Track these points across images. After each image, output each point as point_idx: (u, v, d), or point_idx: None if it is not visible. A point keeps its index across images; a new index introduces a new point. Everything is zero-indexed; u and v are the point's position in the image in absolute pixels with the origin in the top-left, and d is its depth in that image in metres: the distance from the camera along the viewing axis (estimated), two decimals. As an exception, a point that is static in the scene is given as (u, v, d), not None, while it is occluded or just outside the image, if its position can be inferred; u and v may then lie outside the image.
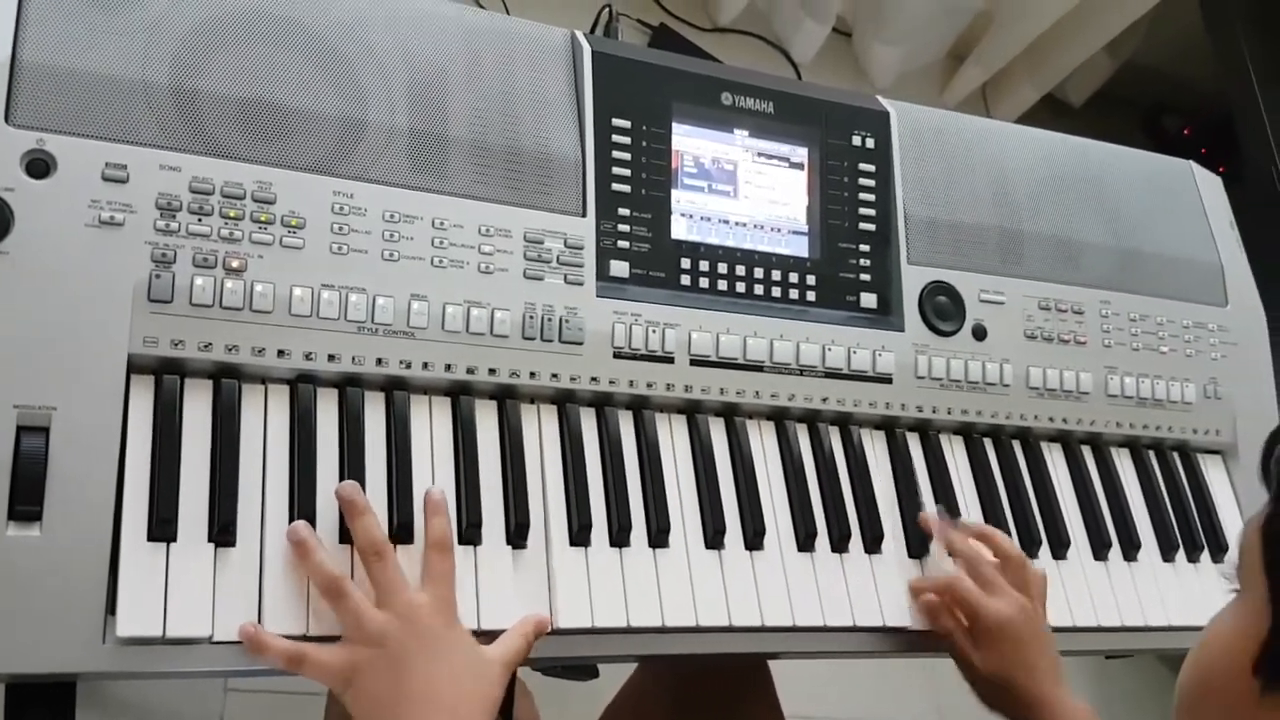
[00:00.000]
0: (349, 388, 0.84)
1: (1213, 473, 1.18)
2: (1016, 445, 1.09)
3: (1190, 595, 1.09)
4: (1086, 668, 1.92)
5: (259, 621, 0.74)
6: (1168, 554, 1.10)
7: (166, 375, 0.78)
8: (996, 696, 0.92)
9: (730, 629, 0.89)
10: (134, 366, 0.77)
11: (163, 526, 0.74)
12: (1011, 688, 0.90)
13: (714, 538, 0.91)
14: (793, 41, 2.40)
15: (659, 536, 0.89)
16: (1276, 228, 1.88)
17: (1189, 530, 1.12)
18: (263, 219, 0.82)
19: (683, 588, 0.89)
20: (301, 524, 0.77)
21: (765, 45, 2.43)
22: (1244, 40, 2.07)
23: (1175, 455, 1.17)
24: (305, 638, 0.75)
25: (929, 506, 1.00)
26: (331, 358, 0.82)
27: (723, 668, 1.13)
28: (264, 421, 0.80)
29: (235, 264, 0.80)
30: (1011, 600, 0.91)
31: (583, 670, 1.43)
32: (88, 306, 0.76)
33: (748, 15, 2.39)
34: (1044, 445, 1.10)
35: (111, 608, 0.72)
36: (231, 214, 0.81)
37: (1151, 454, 1.16)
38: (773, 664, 1.16)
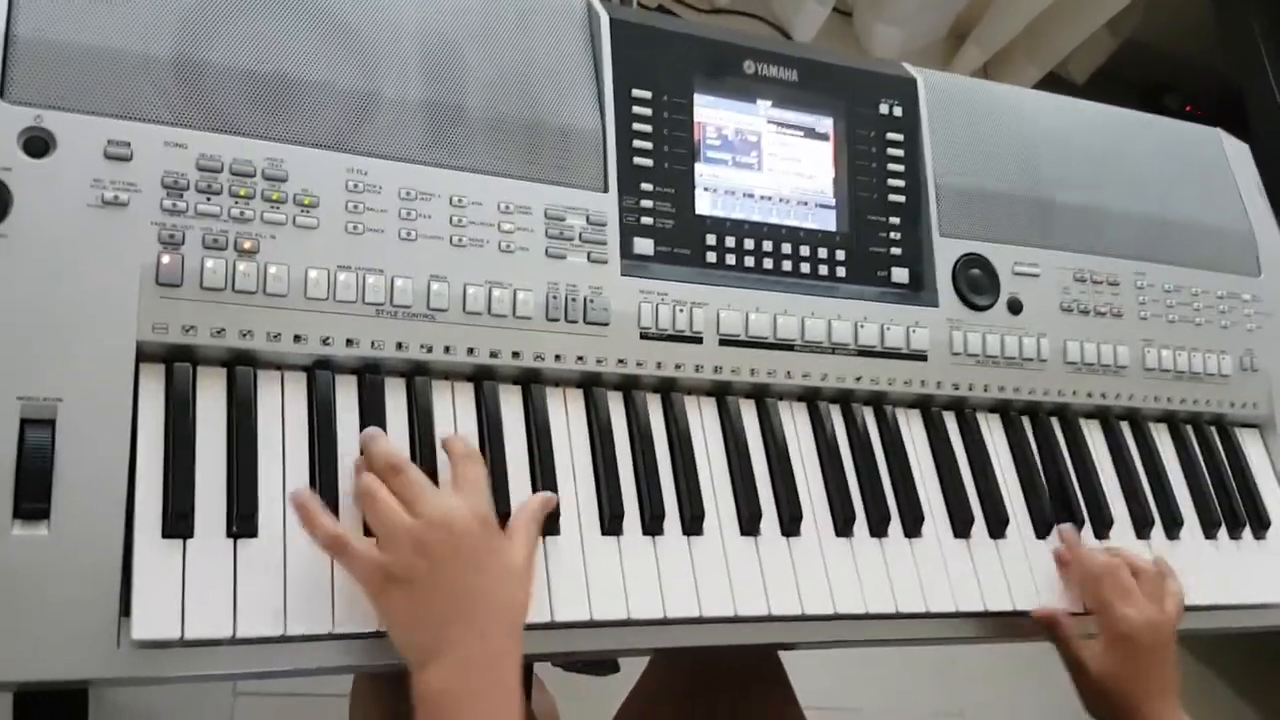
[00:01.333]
0: (368, 374, 0.80)
1: (1250, 446, 1.15)
2: (1055, 422, 1.05)
3: (1233, 573, 1.06)
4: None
5: (284, 616, 0.70)
6: (1210, 531, 1.07)
7: (178, 363, 0.74)
8: (1099, 701, 0.91)
9: (770, 618, 0.85)
10: (143, 354, 0.73)
11: (178, 522, 0.70)
12: (1124, 696, 0.89)
13: (749, 524, 0.88)
14: (793, 22, 2.37)
15: (693, 524, 0.86)
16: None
17: (1230, 506, 1.09)
18: (274, 198, 0.78)
19: (719, 577, 0.85)
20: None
21: (765, 26, 2.40)
22: (1251, 11, 2.04)
23: (1213, 429, 1.14)
24: (330, 637, 0.72)
25: (969, 488, 0.97)
26: (350, 342, 0.78)
27: (736, 658, 1.09)
28: (281, 410, 0.76)
29: (247, 245, 0.76)
30: (1144, 610, 0.90)
31: (604, 665, 1.39)
32: (93, 291, 0.71)
33: (746, -4, 2.36)
34: (1082, 422, 1.06)
35: (126, 609, 0.68)
36: (242, 193, 0.77)
37: (1189, 428, 1.12)
38: (790, 654, 1.13)
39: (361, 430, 0.77)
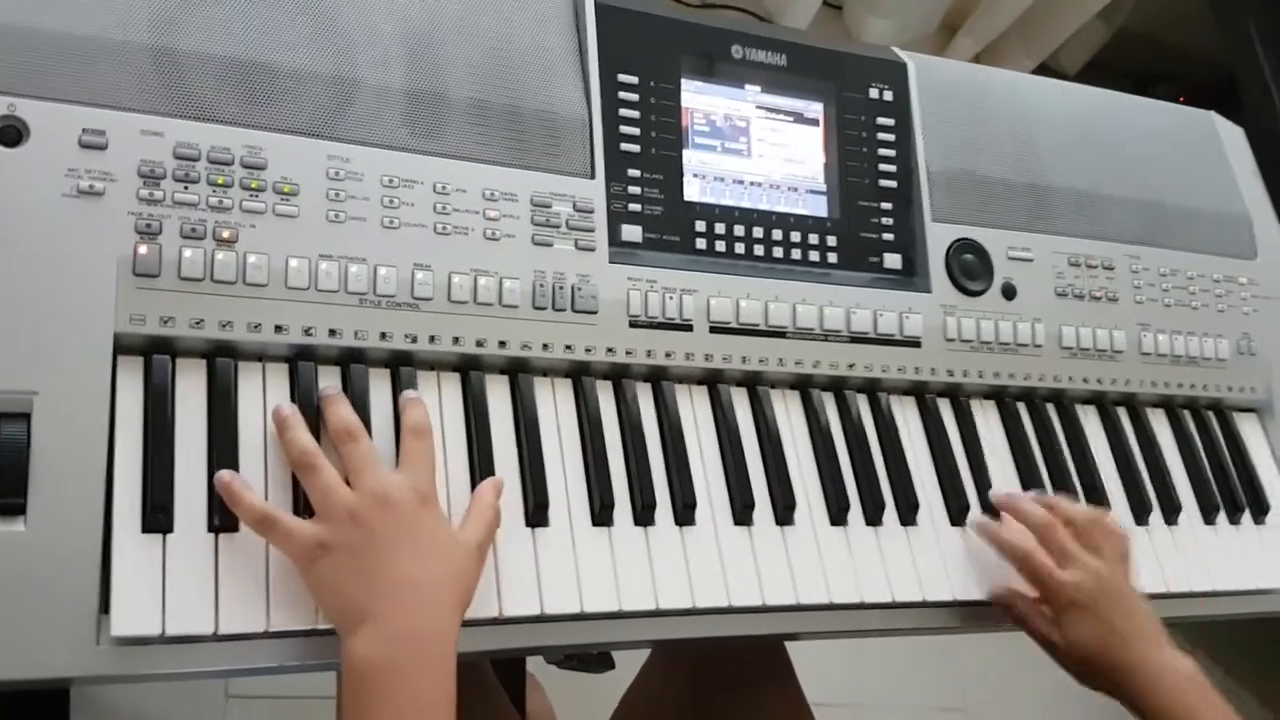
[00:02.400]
0: (352, 365, 0.78)
1: (1248, 431, 1.14)
2: (1051, 408, 1.04)
3: (1233, 558, 1.05)
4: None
5: (267, 612, 0.69)
6: (1209, 516, 1.06)
7: (156, 355, 0.73)
8: (1087, 670, 0.87)
9: (764, 608, 0.84)
10: (121, 346, 0.71)
11: (158, 516, 0.69)
12: (1101, 657, 0.85)
13: (742, 513, 0.86)
14: (783, 15, 2.35)
15: (685, 514, 0.84)
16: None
17: (1229, 491, 1.08)
18: (253, 186, 0.76)
19: (712, 567, 0.84)
20: (287, 404, 0.74)
21: (755, 20, 2.38)
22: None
23: (1211, 414, 1.12)
24: (314, 632, 0.70)
25: (965, 475, 0.96)
26: (333, 332, 0.77)
27: (740, 651, 1.08)
28: (263, 402, 0.75)
29: (226, 234, 0.75)
30: (1083, 567, 0.86)
31: (599, 662, 1.38)
32: (69, 282, 0.70)
33: (736, -10, 2.35)
34: (1078, 408, 1.05)
35: (105, 606, 0.66)
36: (220, 181, 0.75)
37: (1187, 413, 1.11)
38: (788, 647, 1.11)
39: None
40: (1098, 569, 0.86)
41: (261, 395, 0.75)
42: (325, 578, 0.68)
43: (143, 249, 0.72)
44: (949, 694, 1.96)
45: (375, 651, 0.66)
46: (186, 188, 0.74)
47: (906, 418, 0.97)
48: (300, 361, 0.77)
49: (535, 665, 1.44)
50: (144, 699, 1.40)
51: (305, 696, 1.44)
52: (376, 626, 0.66)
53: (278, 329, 0.75)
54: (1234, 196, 1.19)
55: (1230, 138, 1.23)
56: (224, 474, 0.70)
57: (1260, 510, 1.08)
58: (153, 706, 1.41)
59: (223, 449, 0.72)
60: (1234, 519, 1.07)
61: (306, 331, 0.76)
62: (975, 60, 2.61)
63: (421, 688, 0.66)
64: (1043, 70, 2.62)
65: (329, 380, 0.77)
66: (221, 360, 0.74)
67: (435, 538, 0.71)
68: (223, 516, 0.70)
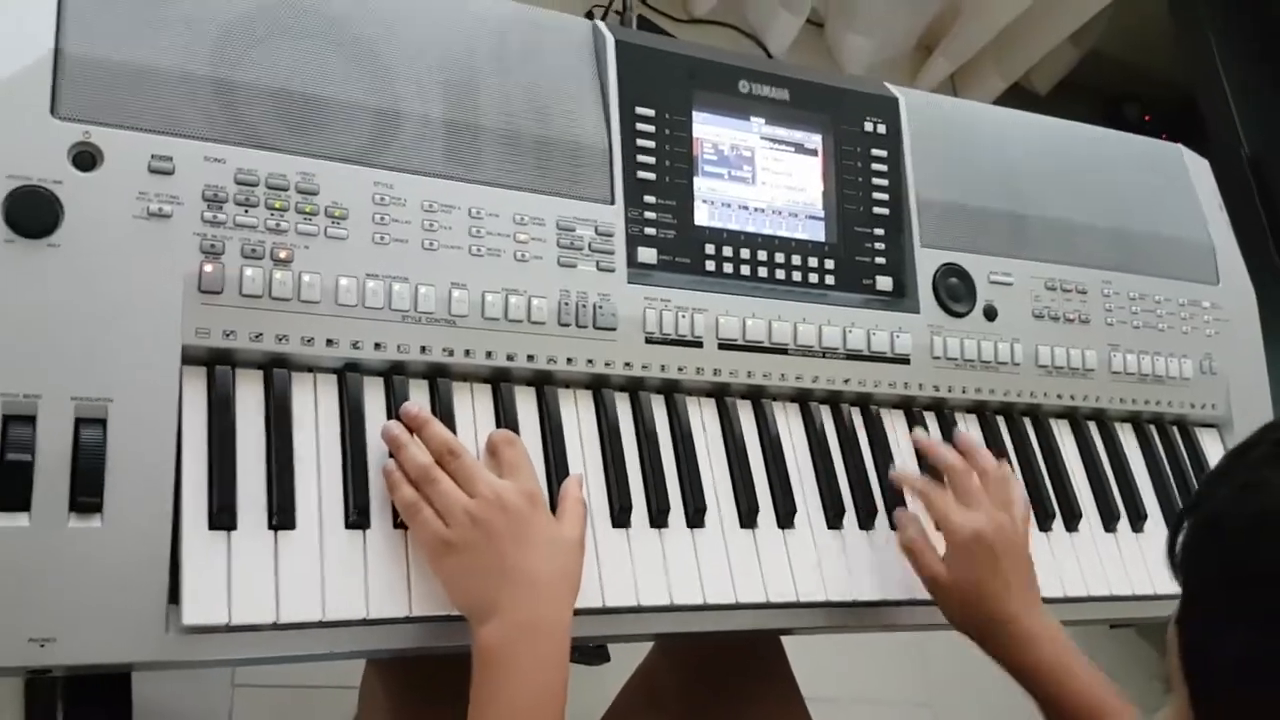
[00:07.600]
0: (394, 376, 0.85)
1: (1209, 445, 1.22)
2: (1027, 422, 1.12)
3: (1193, 564, 1.13)
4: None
5: (323, 603, 0.75)
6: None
7: (219, 366, 0.79)
8: (965, 614, 0.91)
9: (767, 605, 0.91)
10: (187, 357, 0.77)
11: (223, 514, 0.75)
12: (983, 603, 0.89)
13: (748, 517, 0.93)
14: (767, 32, 2.43)
15: (696, 517, 0.91)
16: (1246, 208, 1.94)
17: (1190, 501, 1.16)
18: (307, 210, 0.82)
19: (720, 566, 0.91)
20: (393, 422, 0.82)
21: (740, 36, 2.46)
22: (1208, 23, 2.12)
23: (1175, 429, 1.21)
24: (366, 622, 0.77)
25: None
26: (378, 346, 0.83)
27: (739, 646, 1.15)
28: (314, 410, 0.81)
29: (283, 254, 0.81)
30: (985, 513, 0.91)
31: (595, 655, 1.45)
32: (140, 298, 0.76)
33: (722, 6, 2.42)
34: (1052, 422, 1.13)
35: (174, 597, 0.73)
36: (277, 205, 0.81)
37: (1153, 428, 1.19)
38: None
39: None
40: (1000, 519, 0.91)
41: (313, 404, 0.82)
42: (454, 573, 0.77)
43: (207, 268, 0.78)
44: (917, 689, 2.04)
45: (503, 640, 0.74)
46: (247, 211, 0.80)
47: (896, 430, 1.05)
48: (348, 373, 0.83)
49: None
50: (153, 688, 1.45)
51: (309, 686, 1.50)
52: (502, 618, 0.75)
53: (329, 342, 0.82)
54: (1199, 226, 1.27)
55: (1197, 169, 1.31)
56: (389, 463, 0.80)
57: (1218, 519, 1.16)
58: (162, 694, 1.46)
59: (280, 453, 0.78)
60: (1194, 526, 1.15)
61: (354, 345, 0.82)
62: (950, 79, 2.70)
63: (542, 671, 0.75)
64: (1015, 90, 2.71)
65: (374, 390, 0.84)
66: (278, 371, 0.81)
67: (547, 536, 0.79)
68: (281, 516, 0.76)
